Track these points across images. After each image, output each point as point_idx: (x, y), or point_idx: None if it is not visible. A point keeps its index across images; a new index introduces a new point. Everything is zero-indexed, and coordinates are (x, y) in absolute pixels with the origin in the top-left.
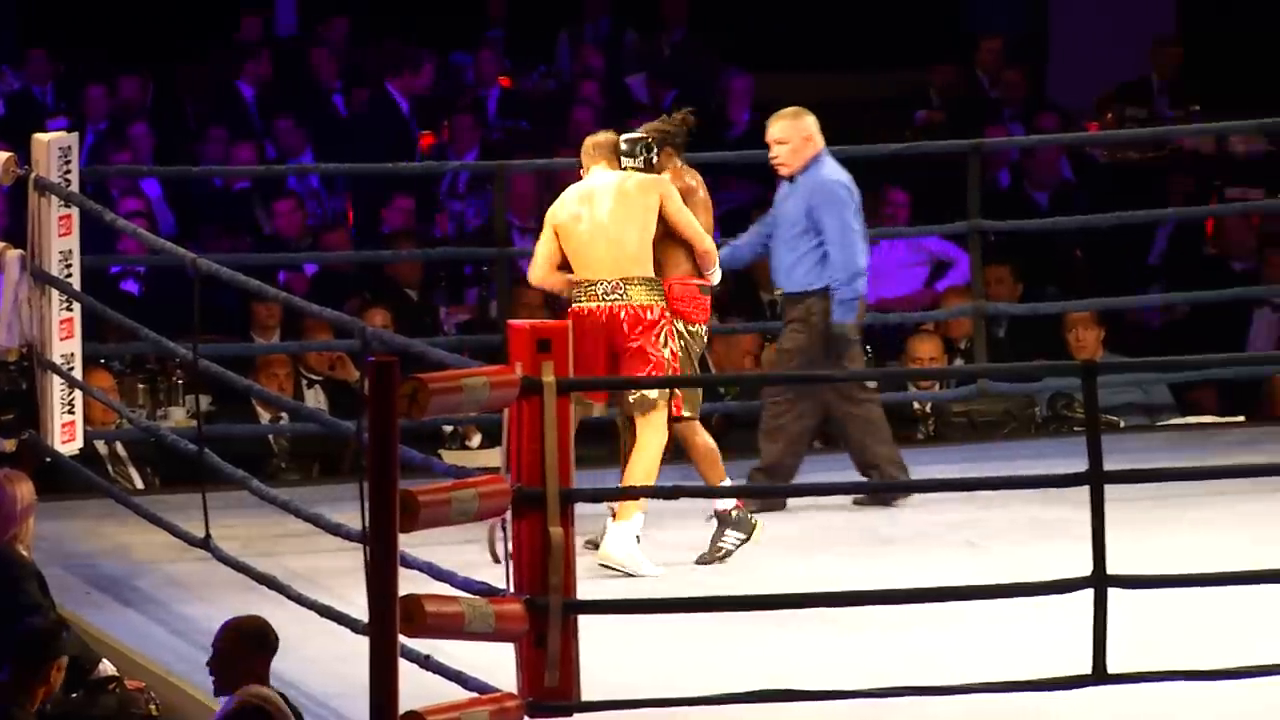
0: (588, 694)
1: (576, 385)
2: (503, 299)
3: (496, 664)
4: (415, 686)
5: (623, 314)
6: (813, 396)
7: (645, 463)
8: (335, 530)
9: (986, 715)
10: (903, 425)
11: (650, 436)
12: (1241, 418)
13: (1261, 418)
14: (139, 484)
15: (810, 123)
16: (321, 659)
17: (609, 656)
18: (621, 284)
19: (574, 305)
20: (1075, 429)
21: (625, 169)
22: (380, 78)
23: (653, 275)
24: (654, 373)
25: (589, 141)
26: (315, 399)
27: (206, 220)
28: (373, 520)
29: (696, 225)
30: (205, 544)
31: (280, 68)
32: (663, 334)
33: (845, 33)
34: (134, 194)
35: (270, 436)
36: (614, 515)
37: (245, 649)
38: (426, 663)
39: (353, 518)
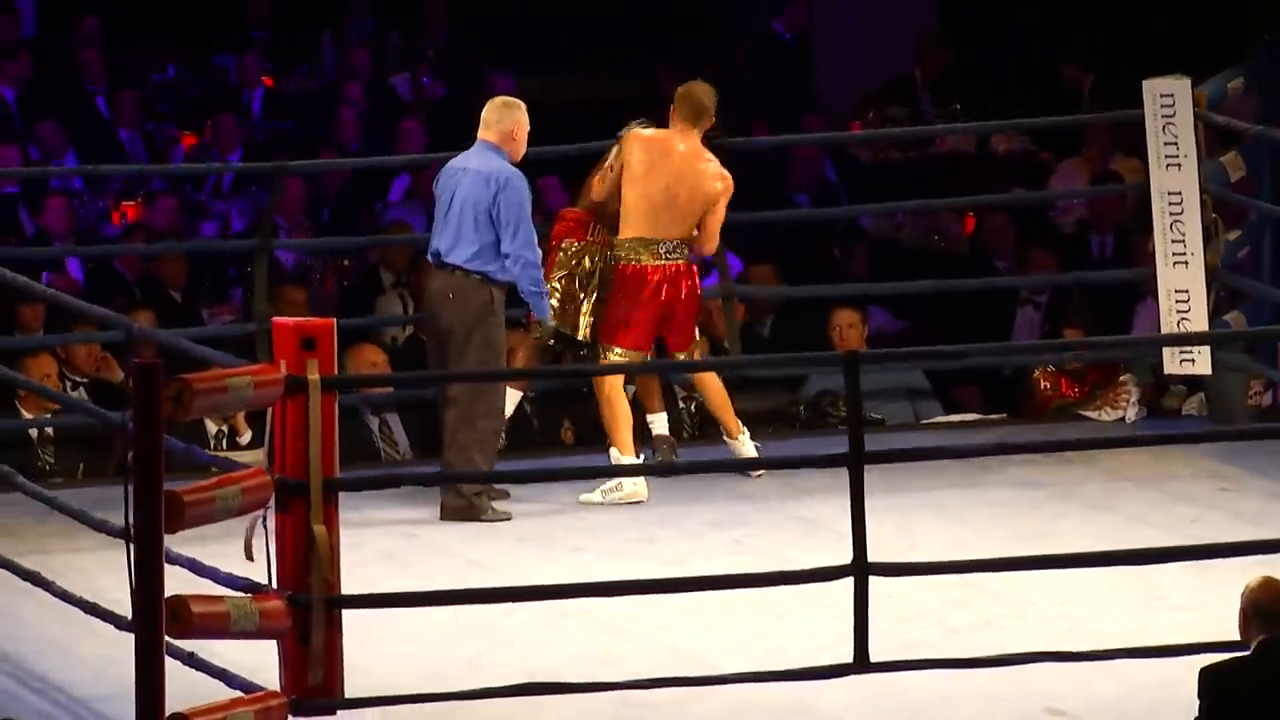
0: (355, 691)
1: (341, 383)
2: (261, 299)
3: (264, 659)
4: (180, 686)
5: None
6: None
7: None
8: (99, 526)
9: (750, 707)
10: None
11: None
12: (1004, 415)
13: (1023, 415)
14: None
15: None
16: (90, 659)
17: (379, 653)
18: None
19: (630, 262)
20: (840, 427)
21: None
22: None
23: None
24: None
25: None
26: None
27: None
28: (138, 523)
29: None
30: None
31: (40, 68)
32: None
33: (609, 33)
34: None
35: (35, 438)
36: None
37: None
38: (190, 660)
39: (119, 517)
